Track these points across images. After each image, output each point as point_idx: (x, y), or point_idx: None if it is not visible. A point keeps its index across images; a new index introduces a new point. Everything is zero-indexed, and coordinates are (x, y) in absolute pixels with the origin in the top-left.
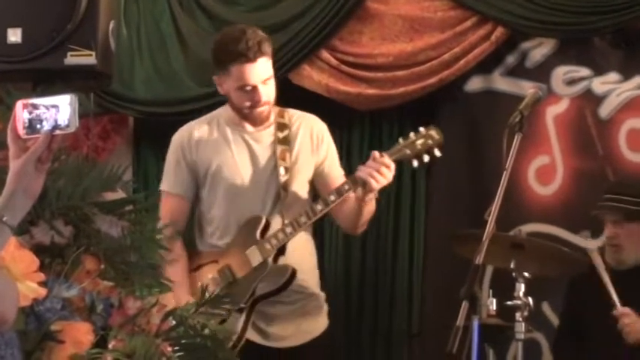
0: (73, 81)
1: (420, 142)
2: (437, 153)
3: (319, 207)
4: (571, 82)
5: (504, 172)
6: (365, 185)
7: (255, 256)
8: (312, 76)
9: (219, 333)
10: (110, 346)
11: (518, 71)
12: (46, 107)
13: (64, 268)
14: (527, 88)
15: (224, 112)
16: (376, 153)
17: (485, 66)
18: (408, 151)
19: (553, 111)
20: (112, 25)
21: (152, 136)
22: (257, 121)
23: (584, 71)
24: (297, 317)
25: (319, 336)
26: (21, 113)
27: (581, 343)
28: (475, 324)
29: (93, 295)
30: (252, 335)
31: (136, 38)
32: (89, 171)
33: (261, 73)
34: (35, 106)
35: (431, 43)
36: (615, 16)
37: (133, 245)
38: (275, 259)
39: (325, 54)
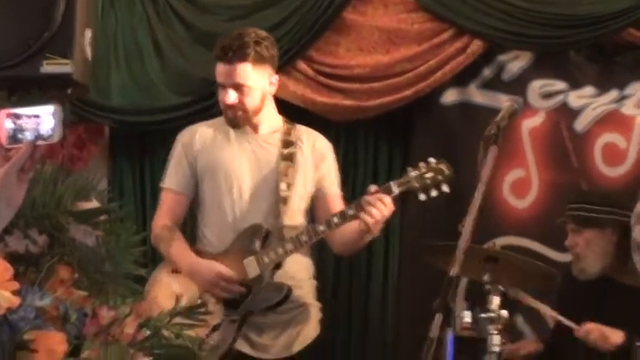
0: (49, 90)
1: (429, 175)
2: (445, 189)
3: (322, 228)
4: (547, 95)
5: (479, 185)
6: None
7: (252, 268)
8: (288, 87)
9: (191, 342)
10: (84, 355)
11: (495, 84)
12: (29, 117)
13: (38, 276)
14: (503, 101)
15: None
16: (372, 188)
17: (461, 78)
18: (416, 184)
19: (529, 124)
20: (89, 33)
21: (128, 146)
22: (232, 123)
23: (560, 85)
24: (287, 327)
25: (309, 345)
26: (3, 123)
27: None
28: (449, 336)
29: (67, 304)
30: (242, 346)
31: (113, 47)
32: (64, 180)
33: (233, 76)
34: (18, 116)
35: (407, 55)
36: (591, 30)
37: (108, 255)
38: (272, 273)
39: (302, 64)
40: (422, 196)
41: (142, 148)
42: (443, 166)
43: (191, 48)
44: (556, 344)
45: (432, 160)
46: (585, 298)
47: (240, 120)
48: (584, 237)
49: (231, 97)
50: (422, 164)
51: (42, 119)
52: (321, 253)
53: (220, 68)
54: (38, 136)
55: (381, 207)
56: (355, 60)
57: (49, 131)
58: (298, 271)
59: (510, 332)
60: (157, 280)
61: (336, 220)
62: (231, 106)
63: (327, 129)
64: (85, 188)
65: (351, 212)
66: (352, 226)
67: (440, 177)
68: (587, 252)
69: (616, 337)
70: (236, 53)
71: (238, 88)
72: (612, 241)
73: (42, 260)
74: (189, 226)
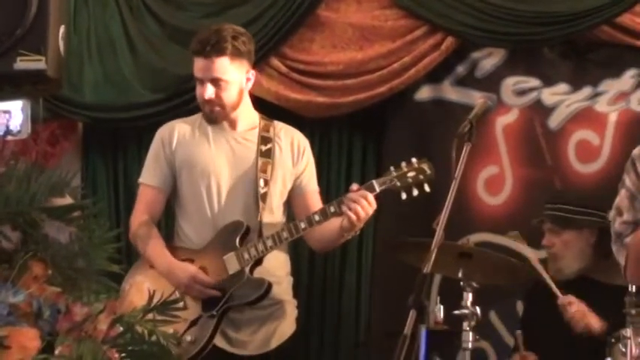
0: (23, 86)
1: (411, 174)
2: (426, 188)
3: (303, 225)
4: (521, 92)
5: (453, 182)
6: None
7: (232, 264)
8: (262, 83)
9: (167, 339)
10: (57, 352)
11: (468, 81)
12: None
13: (12, 273)
14: (477, 98)
15: None
16: (354, 186)
17: (435, 75)
18: (398, 183)
19: (502, 121)
20: (62, 29)
21: (101, 142)
22: (210, 119)
23: (534, 82)
24: (264, 323)
25: (286, 341)
26: None
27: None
28: (423, 333)
29: (40, 300)
30: (220, 342)
31: (86, 43)
32: (37, 176)
33: (211, 70)
34: None
35: (381, 51)
36: (565, 27)
37: (81, 251)
38: (251, 270)
39: (275, 61)
40: (404, 195)
41: (115, 145)
42: (425, 166)
43: (164, 44)
44: (526, 332)
45: (413, 159)
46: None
47: (217, 115)
48: (563, 238)
49: (208, 91)
50: (404, 163)
51: (11, 115)
52: (294, 250)
53: (198, 63)
54: (7, 132)
55: (364, 205)
56: (329, 57)
57: (18, 127)
58: (277, 268)
59: (483, 328)
60: (134, 283)
61: (317, 217)
62: (208, 101)
63: (300, 126)
64: (59, 185)
65: (332, 209)
66: (333, 224)
67: (421, 176)
68: (565, 252)
69: (595, 321)
70: (214, 47)
71: (216, 82)
72: (590, 243)
73: (15, 257)
74: (164, 221)
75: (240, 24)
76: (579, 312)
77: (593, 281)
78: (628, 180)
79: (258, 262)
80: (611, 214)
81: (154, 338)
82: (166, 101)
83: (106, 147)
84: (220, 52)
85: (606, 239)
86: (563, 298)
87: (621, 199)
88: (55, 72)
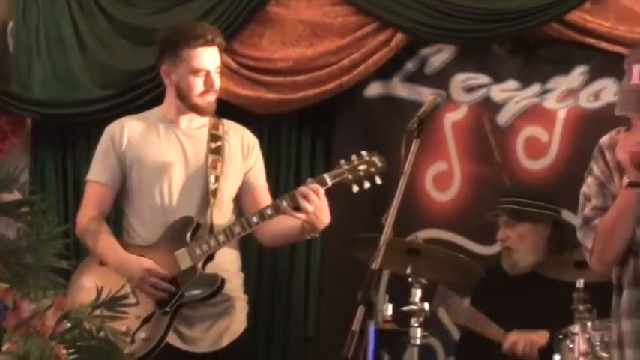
0: None
1: (362, 167)
2: (378, 181)
3: (255, 219)
4: (470, 89)
5: (402, 178)
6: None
7: (184, 259)
8: None
9: (115, 335)
10: (4, 348)
11: (418, 77)
12: None
13: None
14: (427, 95)
15: (158, 110)
16: (309, 179)
17: (384, 72)
18: (350, 176)
19: (451, 117)
20: (10, 25)
21: (50, 138)
22: (205, 111)
23: (483, 78)
24: (217, 321)
25: (237, 338)
26: None
27: (484, 350)
28: (371, 329)
29: None
30: (171, 339)
31: (35, 39)
32: None
33: (215, 59)
34: None
35: (331, 48)
36: (514, 24)
37: (29, 247)
38: (203, 265)
39: (224, 57)
40: (355, 188)
41: (64, 141)
42: (375, 159)
43: (114, 41)
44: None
45: (364, 152)
46: (513, 293)
47: (213, 108)
48: (518, 231)
49: (217, 80)
50: (354, 157)
51: None
52: (242, 245)
53: (203, 53)
54: None
55: (313, 199)
56: (278, 53)
57: None
58: (228, 264)
59: (432, 325)
60: (78, 285)
61: (269, 211)
62: (215, 91)
63: (250, 122)
64: (7, 180)
65: (284, 204)
66: (293, 223)
67: (372, 169)
68: (520, 245)
69: (541, 339)
70: (215, 36)
71: (217, 71)
72: (544, 236)
73: None
74: (112, 218)
75: (190, 20)
76: (527, 344)
77: (545, 277)
78: (596, 168)
79: (210, 257)
80: (580, 199)
81: (102, 334)
82: (115, 97)
83: (55, 143)
84: (219, 40)
85: (560, 233)
86: (507, 342)
87: (589, 186)
88: (4, 67)
